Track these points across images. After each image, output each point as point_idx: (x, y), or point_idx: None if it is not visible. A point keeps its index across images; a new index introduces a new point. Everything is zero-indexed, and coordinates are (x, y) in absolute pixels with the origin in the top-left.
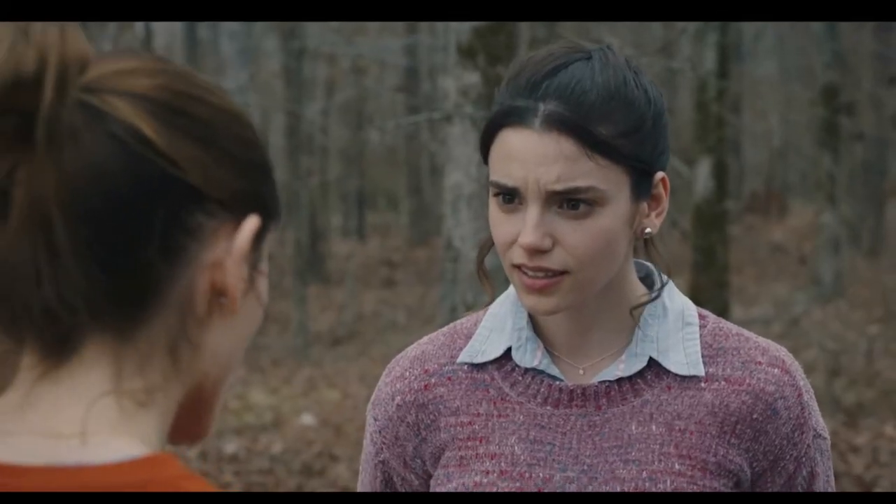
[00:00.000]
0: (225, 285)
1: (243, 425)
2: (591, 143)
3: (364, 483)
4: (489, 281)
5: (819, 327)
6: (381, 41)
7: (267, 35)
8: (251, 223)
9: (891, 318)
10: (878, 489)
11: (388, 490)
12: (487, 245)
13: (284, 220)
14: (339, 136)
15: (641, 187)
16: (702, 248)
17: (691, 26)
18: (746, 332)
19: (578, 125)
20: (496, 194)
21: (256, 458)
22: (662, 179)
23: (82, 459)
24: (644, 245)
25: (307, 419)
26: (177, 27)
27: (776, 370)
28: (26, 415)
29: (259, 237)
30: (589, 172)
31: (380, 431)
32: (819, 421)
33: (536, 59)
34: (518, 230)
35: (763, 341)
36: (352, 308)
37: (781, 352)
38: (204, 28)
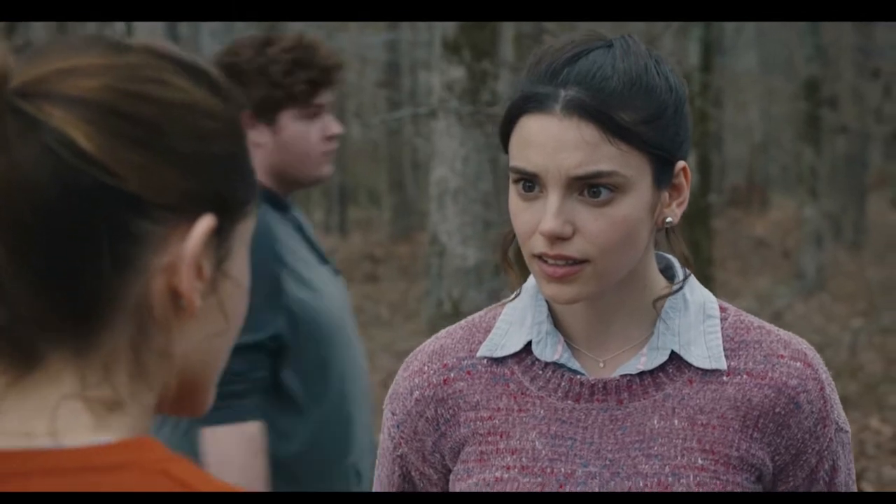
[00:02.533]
0: (179, 289)
1: None
2: (613, 128)
3: (381, 478)
4: (514, 271)
5: (802, 321)
6: (363, 37)
7: (248, 32)
8: (203, 224)
9: (874, 311)
10: (864, 482)
11: (406, 484)
12: (510, 235)
13: None
14: None
15: (663, 175)
16: (686, 242)
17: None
18: (768, 325)
19: (600, 111)
20: (516, 181)
21: None
22: (683, 168)
23: (60, 444)
24: (666, 235)
25: None
26: (158, 25)
27: (799, 364)
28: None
29: (222, 234)
30: (611, 157)
31: (398, 426)
32: (841, 414)
33: (556, 46)
34: (539, 219)
35: (785, 334)
36: None
37: (803, 345)
38: (185, 27)
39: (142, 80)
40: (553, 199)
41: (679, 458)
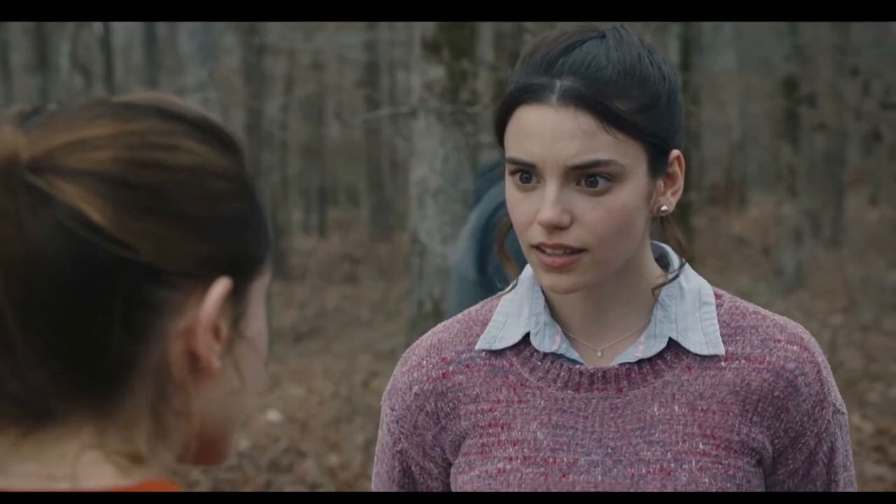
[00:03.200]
0: (197, 352)
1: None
2: (609, 117)
3: (381, 474)
4: (511, 263)
5: None
6: (341, 36)
7: (226, 32)
8: (219, 289)
9: (853, 307)
10: None
11: (406, 479)
12: (506, 227)
13: None
14: (298, 132)
15: (658, 164)
16: (666, 241)
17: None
18: (763, 310)
19: (595, 100)
20: (513, 173)
21: None
22: (678, 157)
23: (77, 485)
24: (660, 224)
25: (273, 415)
26: (135, 24)
27: (795, 347)
28: (13, 467)
29: (237, 294)
30: (608, 146)
31: (397, 421)
32: (837, 396)
33: (551, 38)
34: (536, 209)
35: (780, 319)
36: (314, 304)
37: (799, 328)
38: (162, 26)
39: (150, 148)
40: (551, 188)
41: (681, 443)
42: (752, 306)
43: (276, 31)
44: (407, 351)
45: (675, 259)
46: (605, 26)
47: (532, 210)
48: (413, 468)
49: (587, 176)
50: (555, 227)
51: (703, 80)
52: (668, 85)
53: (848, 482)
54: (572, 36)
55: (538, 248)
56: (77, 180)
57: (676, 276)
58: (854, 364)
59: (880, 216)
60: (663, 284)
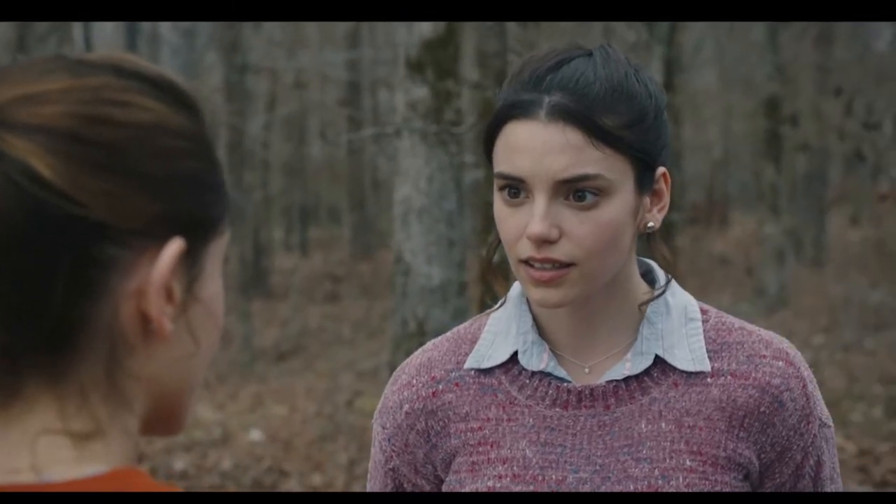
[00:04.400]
0: (149, 313)
1: (192, 441)
2: (597, 132)
3: (374, 491)
4: (499, 279)
5: None
6: (323, 55)
7: (208, 50)
8: (171, 249)
9: (835, 327)
10: None
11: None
12: (494, 244)
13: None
14: (280, 151)
15: (645, 180)
16: (653, 257)
17: (636, 35)
18: (749, 326)
19: (584, 115)
20: (502, 188)
21: (206, 475)
22: (664, 174)
23: (43, 478)
24: (647, 240)
25: (255, 435)
26: (118, 41)
27: (781, 363)
28: None
29: (192, 255)
30: (596, 161)
31: (389, 439)
32: (823, 410)
33: (539, 55)
34: (525, 223)
35: (766, 334)
36: (296, 322)
37: (784, 343)
38: (144, 43)
39: (103, 103)
40: (540, 202)
41: (668, 460)
42: (738, 321)
43: (258, 50)
44: (398, 369)
45: (660, 275)
46: (593, 45)
47: (521, 224)
48: (405, 485)
49: (575, 191)
50: (544, 241)
51: (684, 99)
52: (655, 102)
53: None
54: (560, 54)
55: (527, 262)
56: (28, 135)
57: (663, 291)
58: (836, 384)
59: (862, 236)
60: (650, 300)
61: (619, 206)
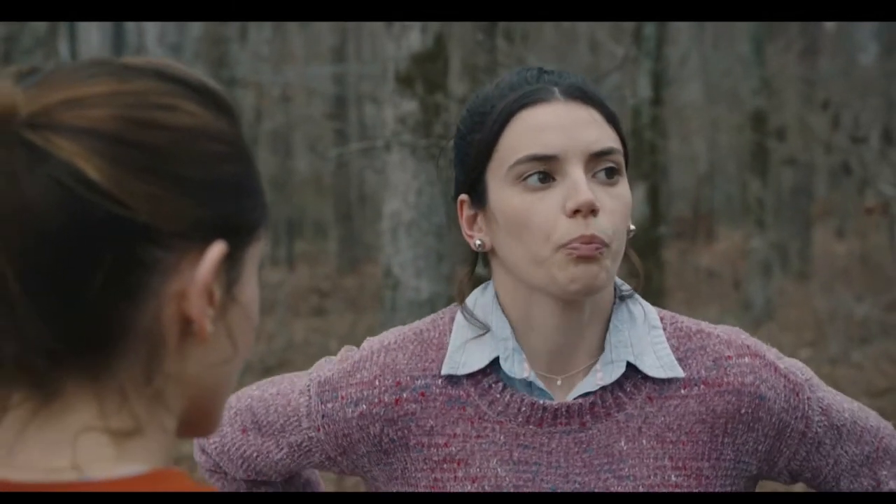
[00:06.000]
0: (191, 315)
1: (182, 457)
2: (606, 112)
3: (272, 423)
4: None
5: None
6: (309, 69)
7: (194, 64)
8: (214, 252)
9: (821, 340)
10: None
11: (300, 454)
12: (466, 278)
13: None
14: (267, 164)
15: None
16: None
17: (624, 50)
18: (703, 326)
19: (594, 96)
20: (525, 177)
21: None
22: None
23: (84, 477)
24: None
25: None
26: (105, 54)
27: (746, 358)
28: (18, 456)
29: (232, 259)
30: (614, 138)
31: (324, 416)
32: (800, 372)
33: (511, 73)
34: (558, 204)
35: (723, 333)
36: (282, 336)
37: (742, 336)
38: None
39: (149, 107)
40: (578, 173)
41: (652, 477)
42: (693, 324)
43: (244, 64)
44: (357, 354)
45: (621, 287)
46: (579, 61)
47: (554, 206)
48: (315, 453)
49: (603, 166)
50: (590, 212)
51: (670, 112)
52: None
53: (858, 411)
54: (529, 66)
55: (571, 244)
56: (74, 137)
57: (630, 295)
58: None
59: (847, 249)
60: (626, 297)
61: (628, 188)
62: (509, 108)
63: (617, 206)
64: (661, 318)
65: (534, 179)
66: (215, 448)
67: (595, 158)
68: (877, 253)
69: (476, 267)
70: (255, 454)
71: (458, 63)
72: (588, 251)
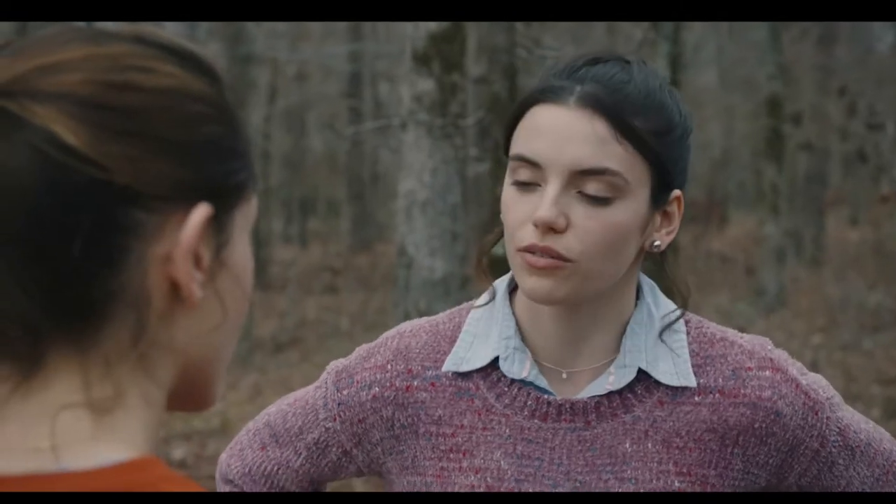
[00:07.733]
0: (177, 279)
1: (191, 430)
2: (623, 128)
3: (291, 429)
4: (490, 278)
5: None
6: (325, 47)
7: (210, 41)
8: (198, 214)
9: (833, 327)
10: None
11: (318, 452)
12: (489, 243)
13: None
14: (281, 143)
15: (660, 195)
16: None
17: (642, 34)
18: (729, 335)
19: (614, 109)
20: (517, 173)
21: (205, 465)
22: (678, 197)
23: (62, 467)
24: (660, 263)
25: None
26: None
27: (767, 372)
28: (2, 431)
29: (219, 222)
30: (619, 157)
31: (341, 404)
32: (822, 390)
33: (578, 53)
34: (532, 210)
35: (747, 343)
36: (294, 314)
37: (767, 348)
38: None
39: (125, 70)
40: (552, 188)
41: (654, 481)
42: (718, 331)
43: (260, 41)
44: (373, 344)
45: (645, 287)
46: (606, 47)
47: (528, 210)
48: (333, 447)
49: (590, 185)
50: (549, 229)
51: (685, 97)
52: (683, 122)
53: (874, 432)
54: (599, 54)
55: (526, 250)
56: (50, 102)
57: (679, 318)
58: (834, 384)
59: (860, 237)
60: (670, 325)
61: (630, 211)
62: (528, 98)
63: (594, 226)
64: (687, 322)
65: (522, 177)
66: (238, 472)
67: (581, 176)
68: (890, 241)
69: (493, 246)
70: (276, 468)
71: (475, 43)
72: (538, 262)
